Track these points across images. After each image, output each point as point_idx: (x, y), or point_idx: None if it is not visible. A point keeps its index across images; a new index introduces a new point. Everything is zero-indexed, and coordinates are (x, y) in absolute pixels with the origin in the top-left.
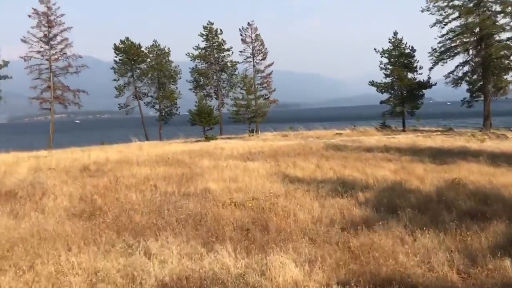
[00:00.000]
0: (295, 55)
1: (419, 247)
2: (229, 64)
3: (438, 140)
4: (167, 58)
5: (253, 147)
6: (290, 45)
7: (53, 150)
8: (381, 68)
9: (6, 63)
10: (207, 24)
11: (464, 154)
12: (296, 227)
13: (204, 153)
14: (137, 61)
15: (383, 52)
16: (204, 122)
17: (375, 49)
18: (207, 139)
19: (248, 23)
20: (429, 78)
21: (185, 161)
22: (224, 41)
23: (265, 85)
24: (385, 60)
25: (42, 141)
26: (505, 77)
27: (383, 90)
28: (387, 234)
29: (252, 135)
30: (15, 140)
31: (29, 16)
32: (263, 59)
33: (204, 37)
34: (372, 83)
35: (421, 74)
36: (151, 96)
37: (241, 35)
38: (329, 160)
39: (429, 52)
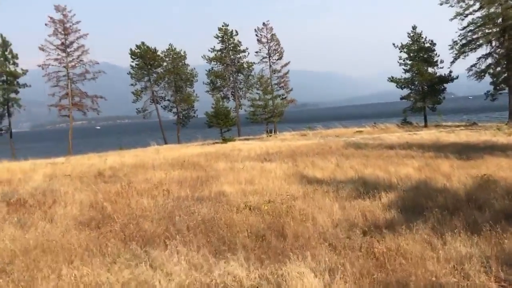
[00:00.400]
0: (312, 54)
1: (450, 252)
2: (245, 65)
3: (462, 135)
4: (183, 61)
5: (271, 148)
6: (307, 44)
7: (71, 157)
8: (400, 64)
9: (25, 72)
10: (223, 26)
11: (491, 149)
12: (315, 232)
13: (220, 155)
14: (153, 65)
15: (402, 47)
16: (222, 124)
17: (393, 44)
18: (225, 141)
19: (263, 23)
20: (450, 72)
21: (201, 164)
22: (239, 42)
23: (282, 84)
24: (404, 55)
25: (62, 148)
26: None
27: (403, 86)
28: (414, 238)
29: (270, 136)
30: (36, 148)
31: (46, 24)
32: (279, 58)
33: (220, 38)
34: (391, 79)
35: (442, 68)
36: (168, 100)
37: (257, 35)
38: (349, 159)
39: (449, 45)
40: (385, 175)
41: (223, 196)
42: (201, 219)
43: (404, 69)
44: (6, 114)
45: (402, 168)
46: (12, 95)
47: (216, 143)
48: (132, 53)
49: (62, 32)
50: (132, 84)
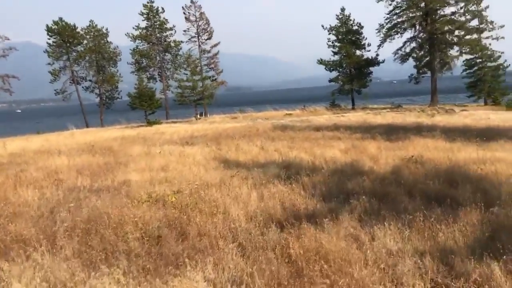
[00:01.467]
0: (247, 37)
1: (380, 251)
2: (172, 44)
3: (388, 117)
4: (105, 39)
5: (197, 131)
6: (243, 27)
7: None
8: (329, 46)
9: None
10: (148, 2)
11: (417, 130)
12: (224, 229)
13: (139, 139)
14: (72, 43)
15: (331, 29)
16: (145, 106)
17: (322, 26)
18: (149, 124)
19: (191, 0)
20: (377, 55)
21: (114, 149)
22: (166, 20)
23: (212, 66)
24: (333, 37)
25: None
26: (450, 52)
27: (331, 68)
28: (338, 232)
29: (200, 119)
30: None
31: None
32: (209, 38)
33: (145, 16)
34: (320, 61)
35: (369, 51)
36: (90, 80)
37: (184, 13)
38: (275, 141)
39: (376, 29)
40: (310, 158)
41: (126, 186)
42: (86, 217)
43: (332, 51)
44: None
45: (328, 150)
46: None
47: (141, 126)
48: (49, 30)
49: None
50: (49, 64)
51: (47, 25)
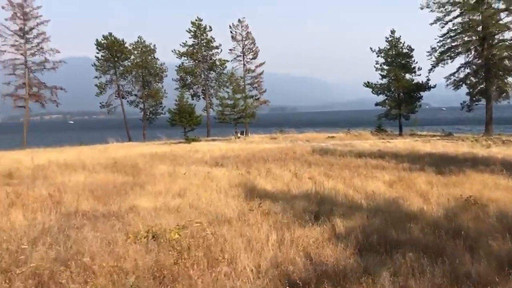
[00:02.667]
0: (294, 59)
1: None
2: (217, 63)
3: (438, 146)
4: (152, 55)
5: (231, 150)
6: (290, 48)
7: (18, 151)
8: (377, 69)
9: None
10: (196, 20)
11: (472, 163)
12: None
13: (170, 157)
14: (120, 58)
15: (379, 52)
16: (185, 122)
17: (371, 48)
18: (188, 141)
19: (239, 19)
20: (428, 80)
21: (138, 166)
22: (213, 38)
23: (256, 85)
24: (382, 60)
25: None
26: (508, 79)
27: (378, 92)
28: None
29: (239, 138)
30: None
31: (3, 7)
32: (254, 58)
33: (192, 33)
34: (367, 84)
35: (419, 75)
36: (135, 95)
37: (231, 32)
38: (312, 167)
39: (428, 52)
40: (349, 191)
41: (131, 212)
42: (54, 257)
43: (380, 75)
44: None
45: (370, 182)
46: None
47: (180, 143)
48: (98, 44)
49: (21, 17)
50: (96, 77)
51: (96, 40)
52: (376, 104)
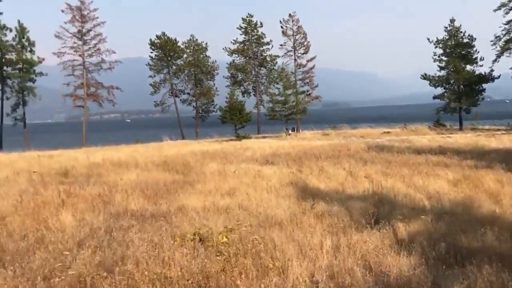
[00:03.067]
0: (345, 54)
1: None
2: (268, 59)
3: (505, 140)
4: (204, 53)
5: (282, 148)
6: (339, 44)
7: (77, 149)
8: (435, 60)
9: (41, 60)
10: (247, 17)
11: None
12: None
13: (221, 154)
14: (173, 57)
15: (438, 42)
16: (235, 120)
17: (428, 39)
18: (238, 138)
19: (290, 14)
20: (491, 71)
21: (190, 164)
22: (263, 34)
23: (307, 80)
24: (440, 51)
25: (80, 139)
26: None
27: (436, 84)
28: None
29: (290, 134)
30: (55, 139)
31: (62, 11)
32: (305, 52)
33: (243, 30)
34: (424, 77)
35: (481, 66)
36: (188, 93)
37: (282, 27)
38: (368, 165)
39: (491, 41)
40: (409, 190)
41: (180, 213)
42: (97, 263)
43: (439, 66)
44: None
45: (432, 181)
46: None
47: (231, 140)
48: (152, 44)
49: (79, 20)
50: (150, 76)
51: (150, 39)
52: (434, 97)
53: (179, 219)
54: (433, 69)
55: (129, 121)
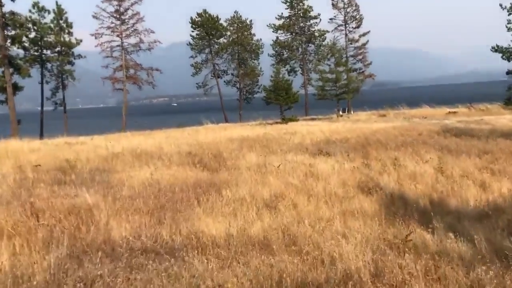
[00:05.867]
0: (392, 30)
1: None
2: (316, 34)
3: None
4: (249, 31)
5: (336, 132)
6: (386, 20)
7: (113, 134)
8: (509, 29)
9: (79, 42)
10: None
11: None
12: None
13: (263, 141)
14: (215, 36)
15: None
16: (281, 101)
17: (500, 5)
18: (285, 121)
19: None
20: None
21: (223, 156)
22: (310, 7)
23: (360, 57)
24: None
25: (129, 124)
26: None
27: (510, 57)
28: None
29: (341, 116)
30: (96, 124)
31: None
32: (358, 27)
33: (288, 4)
34: (496, 49)
35: None
36: (232, 74)
37: None
38: (455, 156)
39: None
40: None
41: (189, 247)
42: None
43: None
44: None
45: None
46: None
47: (277, 123)
48: (193, 22)
49: None
50: (191, 57)
51: (191, 18)
52: (508, 73)
53: (183, 262)
54: (489, 44)
55: (175, 105)
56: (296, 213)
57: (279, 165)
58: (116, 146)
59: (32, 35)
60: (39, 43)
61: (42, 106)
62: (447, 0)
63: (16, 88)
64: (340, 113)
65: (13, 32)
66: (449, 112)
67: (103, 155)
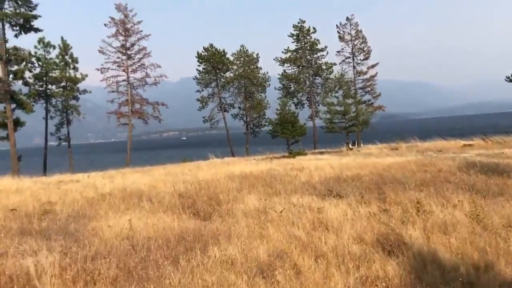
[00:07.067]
0: (399, 63)
1: None
2: (323, 67)
3: None
4: (255, 65)
5: (347, 168)
6: (392, 54)
7: (116, 170)
8: None
9: (84, 77)
10: (298, 23)
11: None
12: None
13: (267, 178)
14: (221, 70)
15: None
16: (288, 134)
17: None
18: (292, 155)
19: (347, 17)
20: None
21: (219, 198)
22: (317, 40)
23: (368, 89)
24: None
25: (133, 159)
26: None
27: None
28: None
29: (351, 149)
30: (102, 159)
31: (105, 25)
32: (366, 58)
33: (295, 37)
34: (511, 79)
35: None
36: (239, 107)
37: (338, 32)
38: (489, 198)
39: None
40: None
41: None
42: None
43: None
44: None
45: None
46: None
47: (284, 157)
48: (199, 57)
49: (123, 33)
50: (198, 91)
51: (197, 52)
52: None
53: None
54: (493, 77)
55: (184, 138)
56: (300, 285)
57: (282, 211)
58: (107, 185)
59: (37, 70)
60: (44, 78)
61: (46, 141)
62: (452, 34)
63: (18, 123)
64: (350, 146)
65: (15, 67)
66: (465, 145)
67: (89, 196)
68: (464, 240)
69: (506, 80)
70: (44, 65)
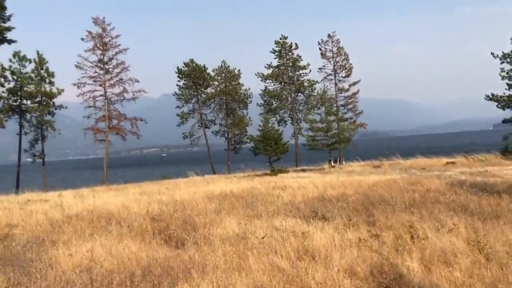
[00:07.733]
0: (378, 82)
1: None
2: (306, 84)
3: None
4: (237, 81)
5: (331, 186)
6: (371, 72)
7: (91, 188)
8: (504, 77)
9: (60, 91)
10: (280, 39)
11: None
12: None
13: (247, 198)
14: (202, 85)
15: (504, 57)
16: (270, 151)
17: (492, 53)
18: (274, 172)
19: (329, 34)
20: None
21: (195, 222)
22: (299, 56)
23: (350, 106)
24: (508, 67)
25: (112, 177)
26: None
27: (505, 105)
28: None
29: (334, 167)
30: (81, 176)
31: (83, 39)
32: (347, 76)
33: (277, 53)
34: (491, 98)
35: None
36: (220, 124)
37: (320, 49)
38: (485, 221)
39: None
40: None
41: None
42: None
43: (508, 84)
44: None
45: None
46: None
47: (266, 174)
48: (179, 72)
49: (101, 48)
50: (178, 107)
51: (177, 67)
52: (504, 121)
53: None
54: (478, 96)
55: (164, 155)
56: None
57: (264, 236)
58: (77, 206)
59: (12, 84)
60: (19, 92)
61: (19, 158)
62: (433, 53)
63: None
64: (332, 163)
65: None
66: (448, 163)
67: (55, 218)
68: (468, 272)
69: (485, 99)
70: (19, 79)
